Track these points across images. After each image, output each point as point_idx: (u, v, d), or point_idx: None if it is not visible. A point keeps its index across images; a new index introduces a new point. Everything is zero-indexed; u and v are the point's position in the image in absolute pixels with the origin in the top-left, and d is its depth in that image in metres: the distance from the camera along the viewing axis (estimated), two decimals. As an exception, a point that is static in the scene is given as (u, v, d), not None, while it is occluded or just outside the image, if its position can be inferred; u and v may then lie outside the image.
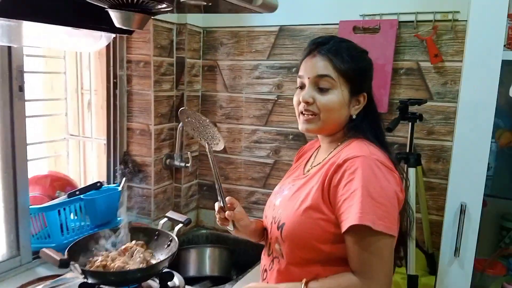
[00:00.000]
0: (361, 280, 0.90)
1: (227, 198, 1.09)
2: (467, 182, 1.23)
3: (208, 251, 1.80)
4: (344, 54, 1.00)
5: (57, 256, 1.08)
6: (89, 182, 1.78)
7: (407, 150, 1.54)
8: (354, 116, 1.03)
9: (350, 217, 0.89)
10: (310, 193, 0.99)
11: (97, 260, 1.20)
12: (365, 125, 1.04)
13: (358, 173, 0.91)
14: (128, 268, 1.15)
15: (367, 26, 1.69)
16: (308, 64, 1.03)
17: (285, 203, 1.07)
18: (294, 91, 1.07)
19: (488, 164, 1.44)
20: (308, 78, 1.02)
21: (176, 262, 1.66)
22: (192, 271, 1.76)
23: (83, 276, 1.10)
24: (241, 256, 1.86)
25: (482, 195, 1.22)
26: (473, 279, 1.43)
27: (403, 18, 1.64)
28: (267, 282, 1.08)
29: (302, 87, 1.04)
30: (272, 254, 1.07)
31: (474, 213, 1.23)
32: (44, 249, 1.13)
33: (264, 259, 1.11)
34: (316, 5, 1.79)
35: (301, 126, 1.05)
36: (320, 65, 1.01)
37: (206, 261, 1.79)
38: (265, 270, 1.10)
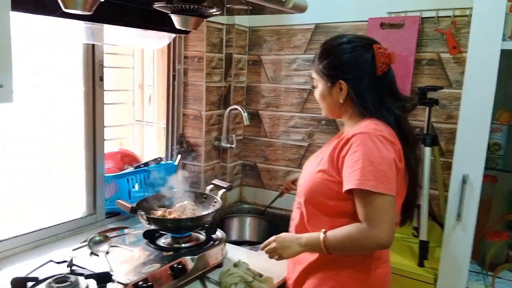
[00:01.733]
0: (368, 227, 1.08)
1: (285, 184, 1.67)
2: (469, 156, 1.41)
3: (248, 220, 2.07)
4: (317, 56, 1.24)
5: (129, 205, 1.40)
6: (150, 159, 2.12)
7: (425, 132, 1.73)
8: (341, 101, 1.21)
9: (350, 181, 1.09)
10: (323, 159, 1.21)
11: (158, 212, 1.51)
12: (369, 105, 1.18)
13: (362, 145, 1.09)
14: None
15: (393, 22, 1.88)
16: None
17: (306, 167, 1.33)
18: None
19: (500, 144, 1.61)
20: None
21: (220, 228, 1.94)
22: (234, 236, 2.03)
23: (147, 222, 1.41)
24: (278, 227, 2.10)
25: (483, 168, 1.39)
26: (482, 247, 1.60)
27: (425, 14, 1.82)
28: (293, 229, 1.32)
29: None
30: (297, 206, 1.32)
31: (476, 184, 1.40)
32: (119, 200, 1.46)
33: (293, 211, 1.35)
34: (347, 4, 2.01)
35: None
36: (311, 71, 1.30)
37: (246, 228, 2.06)
38: (292, 219, 1.35)
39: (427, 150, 1.67)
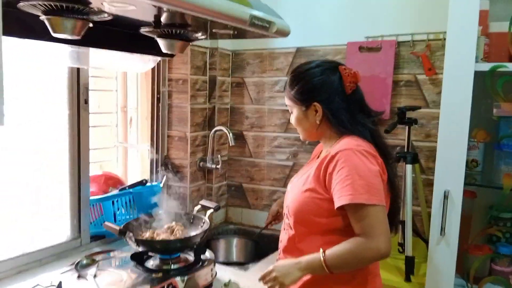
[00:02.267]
0: (366, 239, 1.10)
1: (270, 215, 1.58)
2: (449, 172, 1.47)
3: (235, 241, 2.08)
4: (288, 84, 1.30)
5: (116, 227, 1.39)
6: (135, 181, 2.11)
7: (405, 150, 1.79)
8: (318, 122, 1.25)
9: (343, 196, 1.11)
10: (309, 178, 1.23)
11: (146, 234, 1.50)
12: (345, 122, 1.23)
13: (348, 161, 1.13)
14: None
15: (371, 46, 1.96)
16: None
17: (292, 189, 1.33)
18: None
19: (477, 160, 1.67)
20: None
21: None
22: (221, 257, 2.03)
23: (136, 244, 1.40)
24: (264, 247, 2.11)
25: (463, 183, 1.45)
26: (465, 261, 1.64)
27: (401, 38, 1.91)
28: (282, 251, 1.32)
29: None
30: (285, 228, 1.32)
31: (457, 198, 1.46)
32: (106, 223, 1.45)
33: (281, 233, 1.35)
34: (327, 29, 2.09)
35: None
36: (285, 97, 1.34)
37: (233, 249, 2.07)
38: (280, 241, 1.34)
39: (409, 168, 1.73)
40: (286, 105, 1.33)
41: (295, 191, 1.28)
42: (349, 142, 1.18)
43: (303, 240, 1.24)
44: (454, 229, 1.47)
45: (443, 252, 1.49)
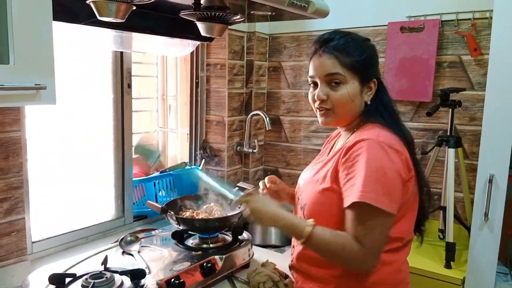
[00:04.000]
0: (359, 246, 0.97)
1: (268, 177, 1.37)
2: (494, 156, 1.41)
3: (272, 224, 2.09)
4: (349, 48, 1.07)
5: (159, 206, 1.44)
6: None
7: (448, 133, 1.74)
8: (368, 102, 1.11)
9: (352, 194, 0.97)
10: (327, 176, 1.08)
11: (186, 213, 1.54)
12: (378, 109, 1.10)
13: (363, 155, 0.98)
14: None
15: (413, 26, 1.90)
16: (316, 63, 1.10)
17: (306, 186, 1.17)
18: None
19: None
20: (319, 77, 1.09)
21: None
22: (257, 240, 2.06)
23: (176, 222, 1.45)
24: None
25: (508, 168, 1.40)
26: (509, 248, 1.59)
27: (445, 17, 1.84)
28: (295, 259, 1.19)
29: (315, 84, 1.12)
30: None
31: (501, 183, 1.41)
32: (149, 201, 1.50)
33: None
34: (367, 9, 2.04)
35: (320, 120, 1.14)
36: (328, 63, 1.07)
37: (270, 233, 2.09)
38: (292, 246, 1.22)
39: (451, 152, 1.68)
40: (325, 74, 1.08)
41: (311, 190, 1.13)
42: (371, 132, 1.04)
43: None
44: (498, 215, 1.42)
45: (486, 238, 1.45)
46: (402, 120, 1.17)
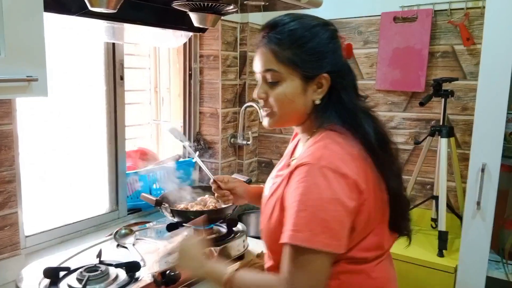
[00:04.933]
0: (285, 285, 0.85)
1: (215, 176, 1.30)
2: (487, 145, 1.43)
3: (266, 215, 2.10)
4: (287, 40, 0.91)
5: (153, 198, 1.44)
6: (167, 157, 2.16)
7: (441, 123, 1.75)
8: (317, 102, 0.94)
9: (284, 232, 0.85)
10: (276, 205, 0.95)
11: (180, 205, 1.54)
12: (330, 109, 0.94)
13: (299, 185, 0.85)
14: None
15: (406, 15, 1.90)
16: (256, 57, 0.97)
17: (263, 208, 1.05)
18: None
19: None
20: (259, 73, 0.97)
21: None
22: (252, 232, 2.06)
23: (171, 214, 1.45)
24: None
25: (500, 157, 1.41)
26: (501, 236, 1.61)
27: (438, 7, 1.84)
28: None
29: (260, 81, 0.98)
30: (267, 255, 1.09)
31: (494, 172, 1.42)
32: (143, 194, 1.50)
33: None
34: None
35: (263, 122, 1.00)
36: (264, 58, 0.94)
37: (265, 223, 2.09)
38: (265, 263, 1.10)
39: (444, 141, 1.69)
40: (261, 70, 0.95)
41: (264, 216, 1.00)
42: (316, 150, 0.88)
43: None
44: (490, 203, 1.44)
45: (478, 227, 1.47)
46: (382, 116, 1.09)
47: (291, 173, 0.89)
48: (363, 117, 0.94)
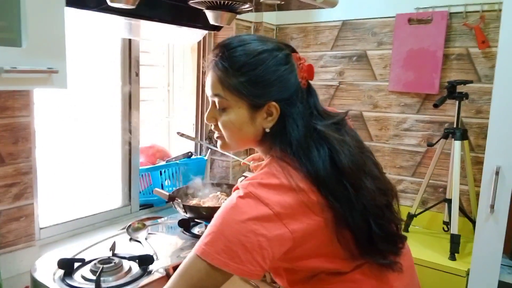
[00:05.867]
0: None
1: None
2: (501, 148, 1.41)
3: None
4: (231, 67, 0.88)
5: (166, 193, 1.46)
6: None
7: (454, 126, 1.74)
8: (267, 130, 0.90)
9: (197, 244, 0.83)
10: None
11: (192, 201, 1.55)
12: (277, 139, 0.89)
13: (223, 205, 0.84)
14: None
15: (421, 17, 1.89)
16: (206, 80, 0.93)
17: None
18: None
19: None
20: (209, 96, 0.94)
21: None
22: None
23: (183, 210, 1.46)
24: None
25: (516, 160, 1.40)
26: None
27: (453, 9, 1.83)
28: None
29: None
30: None
31: (508, 175, 1.41)
32: (157, 189, 1.51)
33: None
34: (374, 1, 2.03)
35: (217, 145, 0.99)
36: (211, 83, 0.91)
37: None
38: None
39: (457, 144, 1.68)
40: (210, 94, 0.92)
41: None
42: (255, 176, 0.87)
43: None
44: (504, 207, 1.42)
45: (491, 230, 1.45)
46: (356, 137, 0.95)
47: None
48: (313, 146, 0.86)
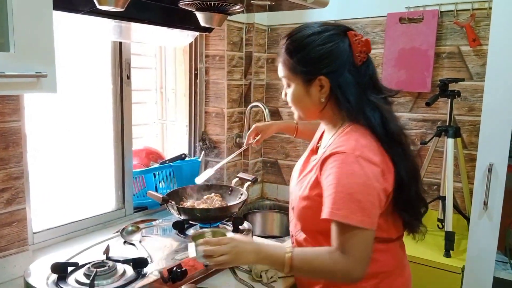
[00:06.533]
0: (341, 254, 0.96)
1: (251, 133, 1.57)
2: (494, 145, 1.42)
3: (271, 216, 2.11)
4: (289, 50, 1.07)
5: (160, 195, 1.45)
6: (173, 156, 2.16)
7: (447, 124, 1.74)
8: (322, 100, 1.06)
9: (324, 210, 0.97)
10: (308, 184, 1.08)
11: (187, 203, 1.55)
12: (338, 108, 1.06)
13: (337, 169, 0.97)
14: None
15: (412, 16, 1.90)
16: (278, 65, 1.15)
17: (293, 188, 1.19)
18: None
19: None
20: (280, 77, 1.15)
21: (245, 222, 1.99)
22: (257, 231, 2.07)
23: (177, 212, 1.45)
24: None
25: (507, 157, 1.41)
26: (508, 237, 1.60)
27: (444, 8, 1.84)
28: (293, 247, 1.16)
29: None
30: (294, 223, 1.20)
31: (501, 172, 1.42)
32: (150, 191, 1.50)
33: (290, 226, 1.24)
34: (365, 0, 2.04)
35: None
36: (278, 67, 1.13)
37: (269, 224, 2.10)
38: (292, 236, 1.22)
39: (450, 142, 1.69)
40: (280, 76, 1.14)
41: (296, 194, 1.14)
42: (347, 142, 1.01)
43: (311, 238, 1.12)
44: (497, 203, 1.43)
45: (485, 227, 1.46)
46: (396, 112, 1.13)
47: (325, 159, 1.01)
48: (368, 112, 1.04)
